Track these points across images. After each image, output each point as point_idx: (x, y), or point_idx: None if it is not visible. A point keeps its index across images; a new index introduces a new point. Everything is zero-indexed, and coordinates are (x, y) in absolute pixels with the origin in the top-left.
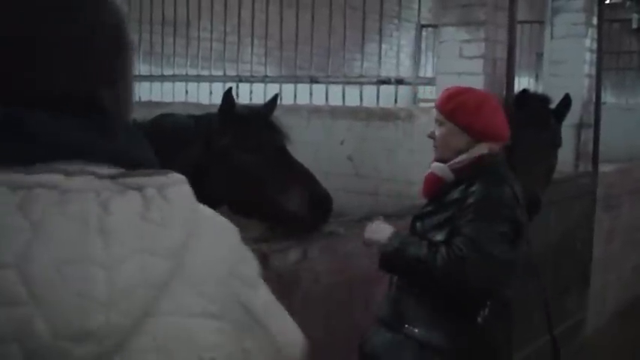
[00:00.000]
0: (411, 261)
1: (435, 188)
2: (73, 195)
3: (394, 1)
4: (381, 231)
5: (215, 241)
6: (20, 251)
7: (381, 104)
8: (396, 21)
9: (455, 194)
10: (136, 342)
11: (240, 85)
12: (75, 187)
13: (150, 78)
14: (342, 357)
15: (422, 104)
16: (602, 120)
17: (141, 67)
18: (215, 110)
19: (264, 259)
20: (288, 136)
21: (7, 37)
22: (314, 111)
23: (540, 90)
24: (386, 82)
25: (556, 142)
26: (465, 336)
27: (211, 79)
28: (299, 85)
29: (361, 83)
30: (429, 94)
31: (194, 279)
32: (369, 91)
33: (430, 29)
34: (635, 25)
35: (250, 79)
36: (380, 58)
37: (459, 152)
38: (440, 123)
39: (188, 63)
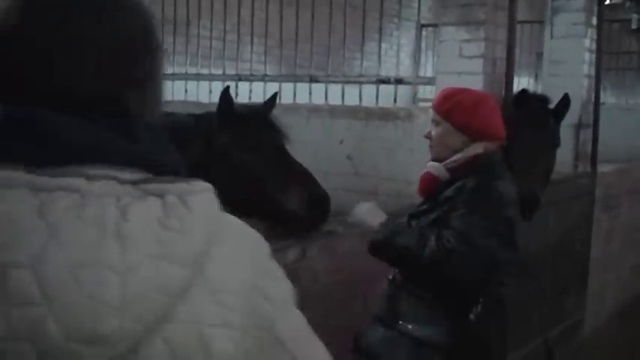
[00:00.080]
0: (400, 250)
1: (431, 187)
2: (92, 199)
3: (394, 0)
4: (374, 215)
5: (239, 252)
6: (35, 252)
7: (381, 104)
8: (396, 20)
9: (449, 192)
10: (150, 348)
11: (240, 83)
12: (95, 191)
13: None
14: (341, 356)
15: (421, 104)
16: (602, 120)
17: None
18: (215, 109)
19: None
20: (287, 135)
21: (33, 37)
22: (313, 110)
23: (540, 90)
24: (385, 81)
25: (555, 142)
26: (457, 332)
27: (211, 77)
28: (298, 84)
29: (361, 82)
30: (429, 93)
31: (214, 288)
32: (369, 90)
33: (430, 29)
34: (634, 26)
35: (250, 78)
36: (380, 57)
37: (456, 152)
38: (436, 123)
39: (188, 61)
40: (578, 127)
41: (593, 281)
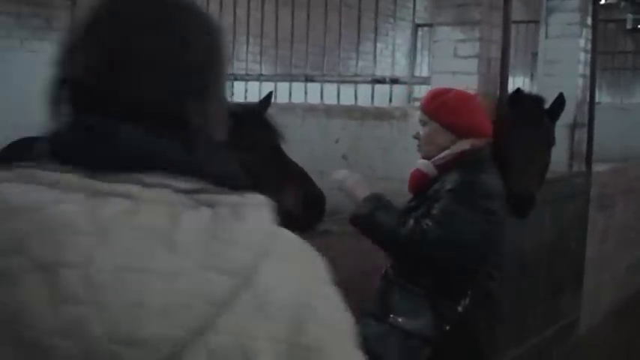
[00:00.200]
0: (380, 227)
1: (420, 184)
2: (144, 205)
3: (390, 0)
4: (359, 189)
5: (291, 268)
6: (85, 254)
7: (376, 103)
8: (391, 20)
9: (436, 186)
10: (192, 355)
11: (235, 83)
12: (148, 198)
13: None
14: None
15: (417, 103)
16: (597, 120)
17: None
18: None
19: None
20: (282, 135)
21: (101, 47)
22: (309, 110)
23: (535, 89)
24: (381, 81)
25: (550, 141)
26: (446, 324)
27: None
28: (294, 84)
29: (356, 82)
30: (424, 93)
31: (261, 301)
32: (364, 90)
33: (425, 28)
34: (629, 26)
35: (245, 78)
36: (375, 57)
37: (444, 149)
38: (424, 123)
39: None
40: (573, 126)
41: (588, 281)
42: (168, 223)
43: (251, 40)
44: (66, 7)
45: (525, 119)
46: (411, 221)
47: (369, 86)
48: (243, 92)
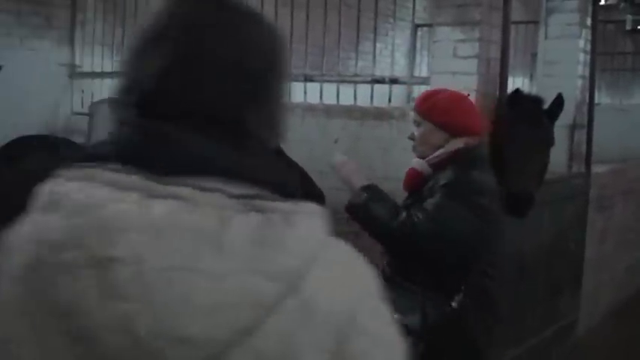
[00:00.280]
0: (373, 218)
1: (415, 182)
2: (196, 208)
3: (389, 0)
4: (355, 177)
5: (341, 278)
6: (136, 252)
7: (376, 103)
8: (391, 20)
9: (430, 184)
10: (235, 356)
11: None
12: (201, 201)
13: None
14: None
15: None
16: (596, 121)
17: None
18: None
19: None
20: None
21: (164, 54)
22: (308, 109)
23: (534, 90)
24: (380, 81)
25: (549, 141)
26: (440, 320)
27: None
28: (293, 84)
29: (356, 82)
30: None
31: (308, 308)
32: (364, 89)
33: (425, 28)
34: (629, 27)
35: None
36: (374, 57)
37: (438, 148)
38: (418, 124)
39: None
40: (573, 127)
41: (587, 281)
42: (217, 226)
43: None
44: (66, 5)
45: (524, 119)
46: (403, 214)
47: (368, 86)
48: None
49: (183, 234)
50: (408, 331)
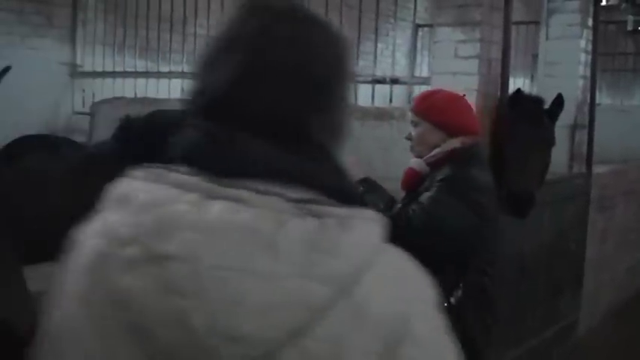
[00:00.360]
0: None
1: (412, 181)
2: (252, 210)
3: (390, 1)
4: (354, 171)
5: (394, 285)
6: (191, 250)
7: (376, 103)
8: (392, 20)
9: (427, 182)
10: (286, 357)
11: None
12: (258, 203)
13: (146, 74)
14: None
15: None
16: (597, 121)
17: (137, 63)
18: None
19: None
20: None
21: (233, 61)
22: None
23: (535, 91)
24: (381, 81)
25: (550, 141)
26: None
27: None
28: None
29: (356, 82)
30: None
31: (359, 313)
32: (364, 89)
33: (426, 29)
34: (630, 27)
35: None
36: (375, 57)
37: (435, 148)
38: (415, 124)
39: (184, 60)
40: (574, 128)
41: (587, 282)
42: (273, 229)
43: None
44: (67, 4)
45: (525, 119)
46: (398, 205)
47: (369, 86)
48: None
49: (239, 235)
50: None
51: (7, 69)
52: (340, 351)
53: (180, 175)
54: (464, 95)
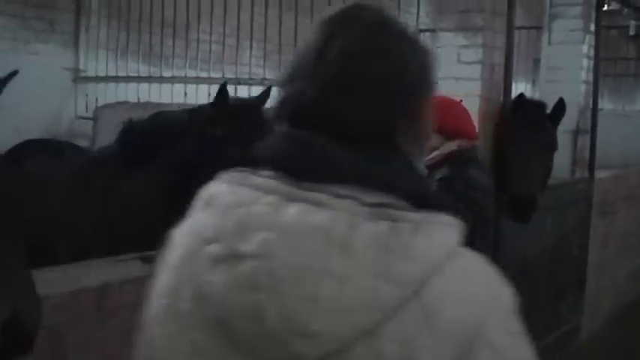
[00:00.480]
0: None
1: None
2: (328, 212)
3: (393, 6)
4: None
5: (467, 289)
6: (266, 249)
7: None
8: None
9: None
10: (356, 355)
11: (239, 87)
12: (334, 206)
13: (149, 79)
14: None
15: None
16: (599, 126)
17: (140, 68)
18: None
19: None
20: None
21: (324, 72)
22: None
23: (537, 96)
24: None
25: (552, 146)
26: None
27: (210, 81)
28: None
29: None
30: None
31: (429, 314)
32: None
33: (428, 34)
34: (632, 32)
35: (249, 82)
36: None
37: (433, 150)
38: None
39: (187, 65)
40: (576, 133)
41: (589, 286)
42: (346, 231)
43: (254, 44)
44: (70, 10)
45: (527, 124)
46: None
47: None
48: (246, 97)
49: (313, 236)
50: None
51: (14, 73)
52: (410, 352)
53: (262, 178)
54: (461, 100)
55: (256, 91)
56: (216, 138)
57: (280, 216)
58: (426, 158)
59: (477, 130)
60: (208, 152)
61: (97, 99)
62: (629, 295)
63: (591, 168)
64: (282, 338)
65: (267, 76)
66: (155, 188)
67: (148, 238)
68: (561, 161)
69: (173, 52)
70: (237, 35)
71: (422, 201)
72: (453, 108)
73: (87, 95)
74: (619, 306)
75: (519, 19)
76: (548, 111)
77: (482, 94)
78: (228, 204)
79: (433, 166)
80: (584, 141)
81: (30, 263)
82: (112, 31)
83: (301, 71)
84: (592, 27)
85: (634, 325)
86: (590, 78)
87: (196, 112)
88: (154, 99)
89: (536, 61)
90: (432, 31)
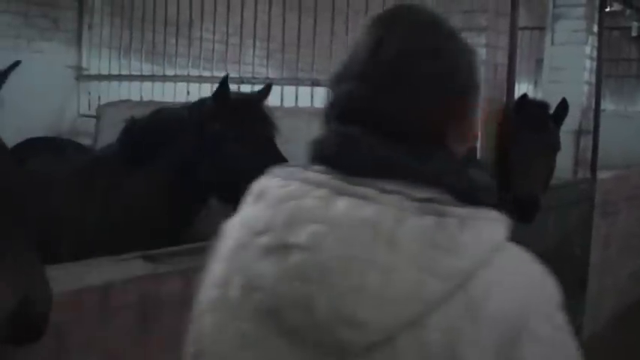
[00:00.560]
0: None
1: None
2: (375, 206)
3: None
4: None
5: (512, 284)
6: (315, 240)
7: None
8: None
9: None
10: (402, 344)
11: (242, 86)
12: (382, 201)
13: (152, 78)
14: None
15: None
16: (601, 127)
17: (143, 67)
18: None
19: None
20: (277, 126)
21: (377, 72)
22: (315, 114)
23: (539, 96)
24: None
25: (555, 146)
26: None
27: (213, 80)
28: (300, 88)
29: None
30: None
31: (474, 307)
32: None
33: None
34: (634, 33)
35: (252, 81)
36: None
37: None
38: None
39: (190, 63)
40: (579, 133)
41: (591, 287)
42: (393, 225)
43: (257, 43)
44: (73, 8)
45: (530, 124)
46: None
47: None
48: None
49: (361, 229)
50: None
51: (16, 64)
52: (454, 342)
53: (313, 173)
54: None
55: (259, 90)
56: (216, 133)
57: (330, 209)
58: None
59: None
60: (208, 147)
61: (99, 97)
62: (630, 295)
63: (593, 168)
64: (330, 328)
65: (271, 75)
66: (157, 187)
67: (150, 237)
68: (563, 161)
69: (176, 51)
70: (241, 34)
71: (468, 197)
72: None
73: (90, 93)
74: (621, 306)
75: (522, 20)
76: (551, 111)
77: (485, 94)
78: (279, 197)
79: None
80: (587, 141)
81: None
82: (115, 30)
83: (353, 71)
84: (595, 28)
85: (636, 325)
86: (593, 79)
87: (196, 106)
88: (157, 98)
89: (539, 62)
90: None
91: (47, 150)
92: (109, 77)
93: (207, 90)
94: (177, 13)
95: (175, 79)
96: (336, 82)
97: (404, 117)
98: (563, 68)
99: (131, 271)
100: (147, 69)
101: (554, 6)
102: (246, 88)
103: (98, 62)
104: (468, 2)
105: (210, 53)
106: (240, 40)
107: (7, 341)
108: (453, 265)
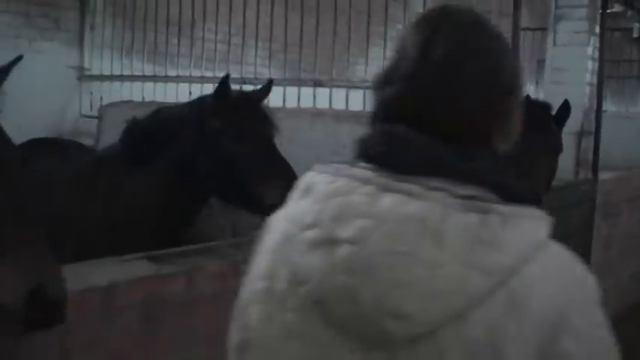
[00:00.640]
0: None
1: None
2: (420, 203)
3: (399, 6)
4: None
5: (553, 279)
6: (361, 235)
7: None
8: (400, 26)
9: None
10: (445, 338)
11: (244, 87)
12: (426, 197)
13: (154, 78)
14: None
15: None
16: (602, 128)
17: (145, 67)
18: None
19: None
20: (276, 125)
21: (425, 72)
22: (317, 114)
23: (541, 97)
24: None
25: (557, 147)
26: None
27: (215, 80)
28: (302, 89)
29: (365, 87)
30: None
31: (516, 303)
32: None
33: None
34: (636, 34)
35: (254, 81)
36: (384, 62)
37: None
38: None
39: (192, 64)
40: (580, 134)
41: None
42: (438, 221)
43: (260, 43)
44: (75, 8)
45: (532, 125)
46: None
47: None
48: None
49: (407, 224)
50: None
51: (19, 58)
52: (496, 337)
53: (360, 169)
54: None
55: None
56: (216, 130)
57: (376, 205)
58: None
59: None
60: (208, 145)
61: (101, 97)
62: (632, 296)
63: (595, 169)
64: (375, 319)
65: (273, 76)
66: (158, 186)
67: (151, 236)
68: (565, 163)
69: (178, 51)
70: (243, 34)
71: (511, 195)
72: None
73: (91, 94)
74: (622, 307)
75: (524, 21)
76: (553, 112)
77: None
78: (327, 193)
79: None
80: (588, 142)
81: None
82: (117, 30)
83: (401, 72)
84: (597, 29)
85: (637, 326)
86: (595, 80)
87: (196, 103)
88: (159, 98)
89: (541, 63)
90: None
91: (49, 150)
92: (111, 78)
93: (209, 90)
94: (180, 13)
95: (177, 79)
96: (383, 84)
97: (451, 117)
98: (565, 69)
99: (135, 272)
100: (149, 69)
101: (557, 7)
102: (248, 89)
103: (100, 62)
104: (470, 3)
105: (212, 54)
106: (243, 40)
107: (23, 328)
108: (497, 261)
